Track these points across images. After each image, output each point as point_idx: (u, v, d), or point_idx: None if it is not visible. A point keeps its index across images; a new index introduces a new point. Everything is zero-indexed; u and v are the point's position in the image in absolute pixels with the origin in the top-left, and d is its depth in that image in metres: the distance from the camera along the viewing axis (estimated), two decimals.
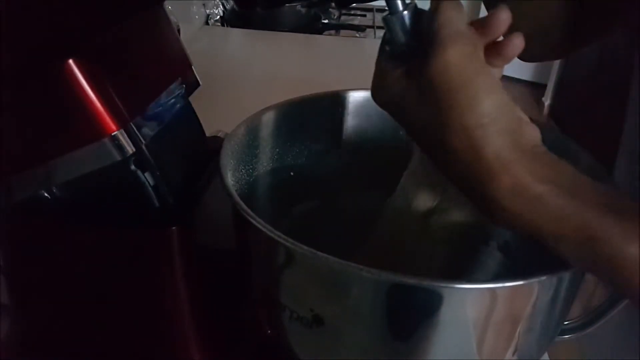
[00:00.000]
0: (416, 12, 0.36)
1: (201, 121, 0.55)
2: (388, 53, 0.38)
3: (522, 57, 0.56)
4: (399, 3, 0.36)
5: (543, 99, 3.29)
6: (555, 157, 0.33)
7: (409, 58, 0.36)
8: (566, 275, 0.38)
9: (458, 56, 0.33)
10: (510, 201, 0.32)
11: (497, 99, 0.33)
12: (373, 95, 0.39)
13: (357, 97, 0.56)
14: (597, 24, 0.56)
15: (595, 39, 0.59)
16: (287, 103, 0.54)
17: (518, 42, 0.36)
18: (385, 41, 0.38)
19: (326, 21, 1.59)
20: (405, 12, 0.36)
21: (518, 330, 0.38)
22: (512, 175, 0.32)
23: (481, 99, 0.32)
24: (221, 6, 1.52)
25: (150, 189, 0.44)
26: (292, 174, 0.55)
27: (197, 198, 0.49)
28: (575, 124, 2.76)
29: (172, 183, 0.46)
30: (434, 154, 0.36)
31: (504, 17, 0.35)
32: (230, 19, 1.52)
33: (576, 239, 0.31)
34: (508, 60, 0.37)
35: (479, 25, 0.36)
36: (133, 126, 0.42)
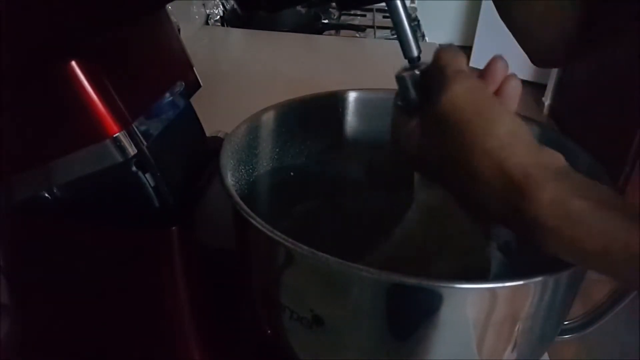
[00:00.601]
0: (426, 69, 0.38)
1: (201, 121, 0.55)
2: (401, 108, 0.39)
3: (534, 61, 0.56)
4: (415, 56, 0.38)
5: (543, 99, 3.29)
6: (583, 176, 0.33)
7: (420, 111, 0.37)
8: (566, 275, 0.38)
9: (466, 87, 0.34)
10: (550, 219, 0.31)
11: (512, 121, 0.33)
12: (393, 148, 0.39)
13: (357, 97, 0.56)
14: (602, 24, 0.56)
15: (603, 41, 0.59)
16: (287, 103, 0.54)
17: (514, 83, 0.38)
18: (397, 98, 0.40)
19: (326, 21, 1.59)
20: (417, 71, 0.38)
21: (518, 330, 0.38)
22: (548, 192, 0.31)
23: (498, 121, 0.33)
24: (221, 6, 1.51)
25: (150, 189, 0.44)
26: (292, 174, 0.56)
27: (197, 198, 0.49)
28: (575, 124, 2.76)
29: (172, 183, 0.46)
30: (464, 194, 0.35)
31: (501, 65, 0.37)
32: (230, 19, 1.52)
33: (623, 255, 0.30)
34: (510, 102, 0.38)
35: (481, 75, 0.37)
36: (135, 127, 0.42)
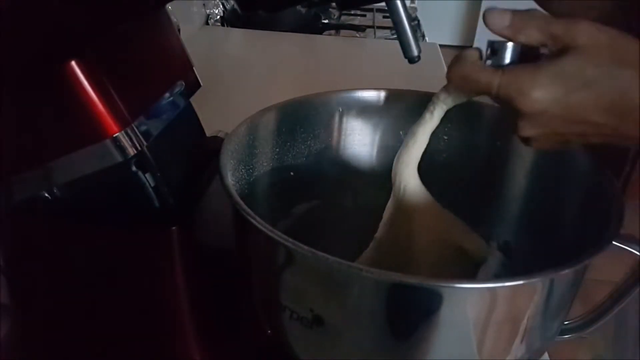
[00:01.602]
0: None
1: (201, 121, 0.55)
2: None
3: None
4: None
5: None
6: None
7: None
8: (566, 275, 0.38)
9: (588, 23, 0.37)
10: None
11: None
12: (532, 101, 0.38)
13: (357, 97, 0.56)
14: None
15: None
16: (287, 103, 0.54)
17: None
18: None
19: (326, 21, 1.59)
20: (510, 43, 0.40)
21: (518, 330, 0.38)
22: None
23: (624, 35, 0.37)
24: (221, 6, 1.51)
25: (150, 189, 0.44)
26: (292, 174, 0.55)
27: (197, 198, 0.49)
28: None
29: (172, 183, 0.46)
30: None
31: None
32: (230, 19, 1.52)
33: None
34: None
35: None
36: (135, 127, 0.42)
